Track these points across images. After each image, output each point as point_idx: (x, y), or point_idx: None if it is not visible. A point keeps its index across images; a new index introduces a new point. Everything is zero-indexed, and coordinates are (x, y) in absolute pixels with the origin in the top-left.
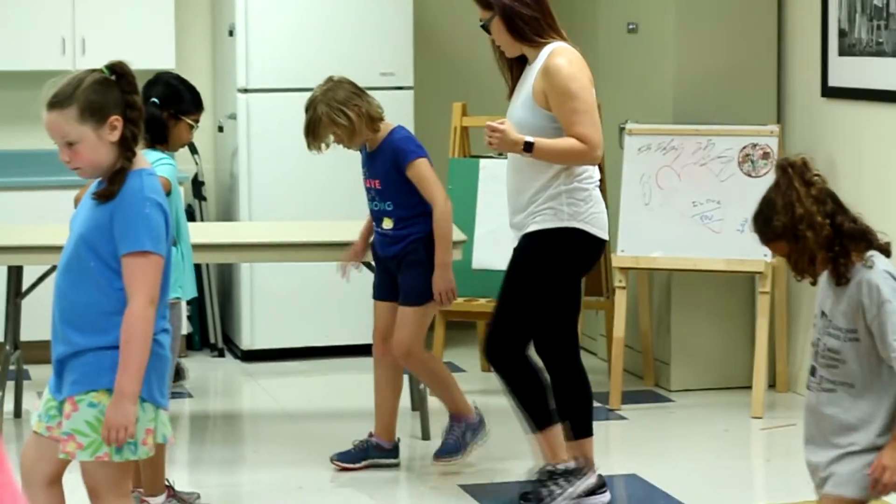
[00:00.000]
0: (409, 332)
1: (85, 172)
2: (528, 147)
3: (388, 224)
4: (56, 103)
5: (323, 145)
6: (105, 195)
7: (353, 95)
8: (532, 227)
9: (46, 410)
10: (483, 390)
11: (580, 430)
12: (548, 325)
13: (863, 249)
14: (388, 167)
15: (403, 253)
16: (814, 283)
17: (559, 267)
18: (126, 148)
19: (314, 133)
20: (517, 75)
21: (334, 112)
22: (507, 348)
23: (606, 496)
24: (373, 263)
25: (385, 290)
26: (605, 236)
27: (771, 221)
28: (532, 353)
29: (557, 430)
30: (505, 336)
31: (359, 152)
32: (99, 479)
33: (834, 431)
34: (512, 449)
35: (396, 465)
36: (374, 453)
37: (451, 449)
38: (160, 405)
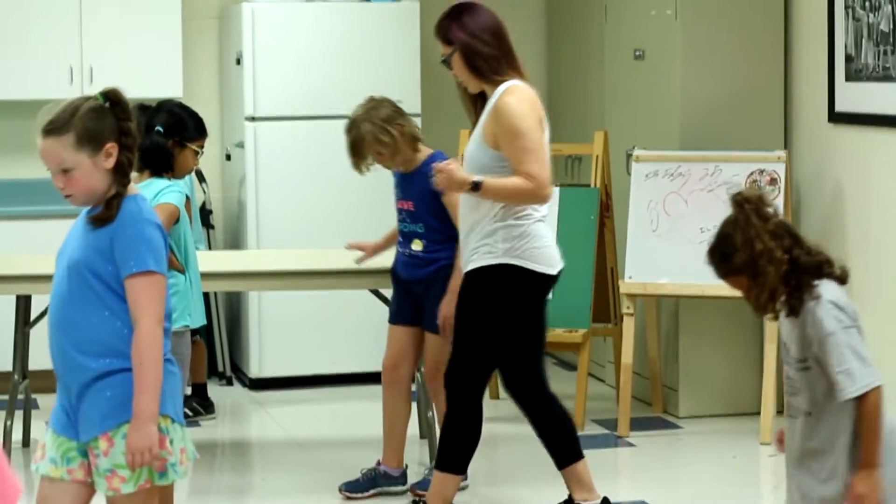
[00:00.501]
0: (445, 358)
1: (77, 200)
2: (476, 186)
3: (417, 246)
4: (52, 130)
5: (364, 166)
6: (103, 219)
7: (396, 114)
8: (471, 266)
9: (63, 454)
10: (492, 417)
11: (568, 456)
12: (509, 361)
13: (808, 280)
14: (425, 190)
15: (433, 278)
16: (775, 318)
17: (498, 304)
18: (121, 174)
19: (359, 152)
20: (480, 110)
21: (378, 130)
22: (460, 387)
23: None
24: (378, 290)
25: (404, 315)
26: (547, 270)
27: (730, 257)
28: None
29: (457, 481)
30: (458, 376)
31: (366, 175)
32: None
33: (803, 455)
34: (518, 476)
35: (404, 493)
36: (382, 481)
37: (424, 485)
38: (182, 423)
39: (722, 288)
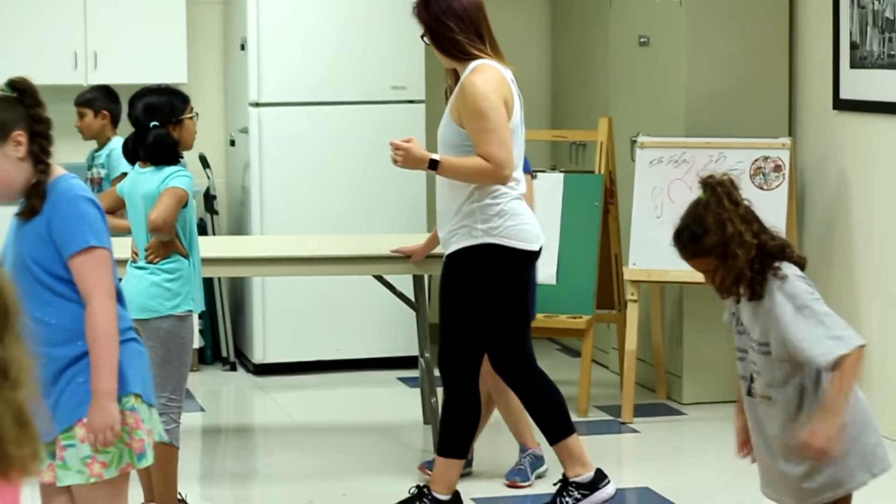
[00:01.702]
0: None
1: (4, 199)
2: (433, 165)
3: None
4: None
5: None
6: (28, 211)
7: None
8: (451, 248)
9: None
10: None
11: (559, 432)
12: (495, 340)
13: (771, 264)
14: None
15: None
16: (737, 301)
17: (483, 284)
18: (38, 161)
19: None
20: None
21: None
22: (454, 371)
23: (611, 487)
24: (381, 276)
25: None
26: (528, 247)
27: (701, 238)
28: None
29: (459, 465)
30: (451, 360)
31: (369, 162)
32: (99, 501)
33: (774, 436)
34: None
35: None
36: (537, 463)
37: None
38: (152, 403)
39: None
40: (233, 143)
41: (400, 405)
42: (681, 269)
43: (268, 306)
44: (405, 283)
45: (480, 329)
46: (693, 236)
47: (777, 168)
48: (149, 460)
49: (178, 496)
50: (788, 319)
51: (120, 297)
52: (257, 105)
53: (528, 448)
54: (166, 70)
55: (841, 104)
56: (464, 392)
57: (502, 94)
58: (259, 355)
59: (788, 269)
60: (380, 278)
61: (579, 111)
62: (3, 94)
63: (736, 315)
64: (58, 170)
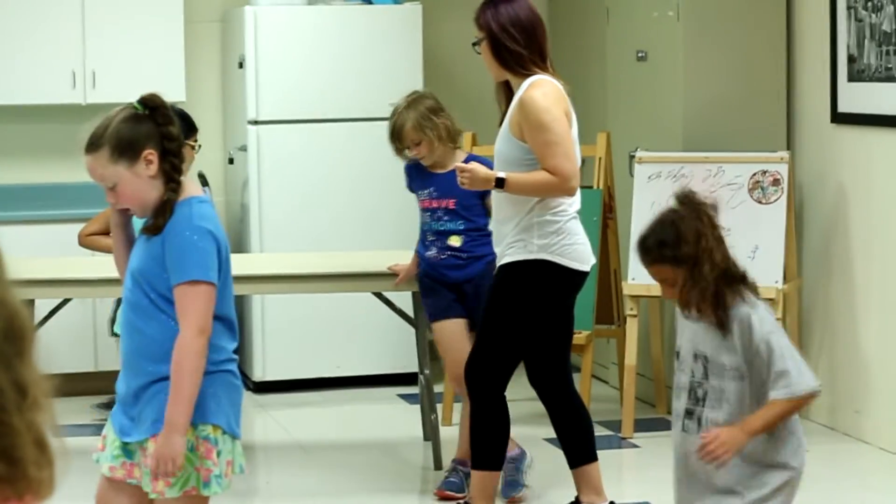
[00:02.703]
0: None
1: (135, 211)
2: (500, 183)
3: (456, 242)
4: (89, 147)
5: (404, 154)
6: (152, 229)
7: (438, 107)
8: (505, 260)
9: (112, 451)
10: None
11: (583, 457)
12: (537, 355)
13: (739, 289)
14: (468, 189)
15: (483, 273)
16: (699, 317)
17: (530, 299)
18: (169, 180)
19: (400, 138)
20: (508, 103)
21: (422, 118)
22: (483, 380)
23: None
24: (381, 293)
25: (456, 309)
26: (580, 267)
27: (672, 246)
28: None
29: (496, 477)
30: (482, 368)
31: (369, 178)
32: None
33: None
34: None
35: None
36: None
37: (512, 485)
38: (237, 436)
39: None
40: (231, 161)
41: (400, 422)
42: None
43: (267, 323)
44: (405, 300)
45: (519, 342)
46: (661, 243)
47: (775, 182)
48: (214, 490)
49: None
50: (761, 344)
51: (232, 328)
52: (256, 123)
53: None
54: (165, 88)
55: (839, 118)
56: (491, 402)
57: (562, 108)
58: (259, 373)
59: (754, 299)
60: (379, 295)
61: (578, 126)
62: (135, 112)
63: (679, 347)
64: (190, 188)
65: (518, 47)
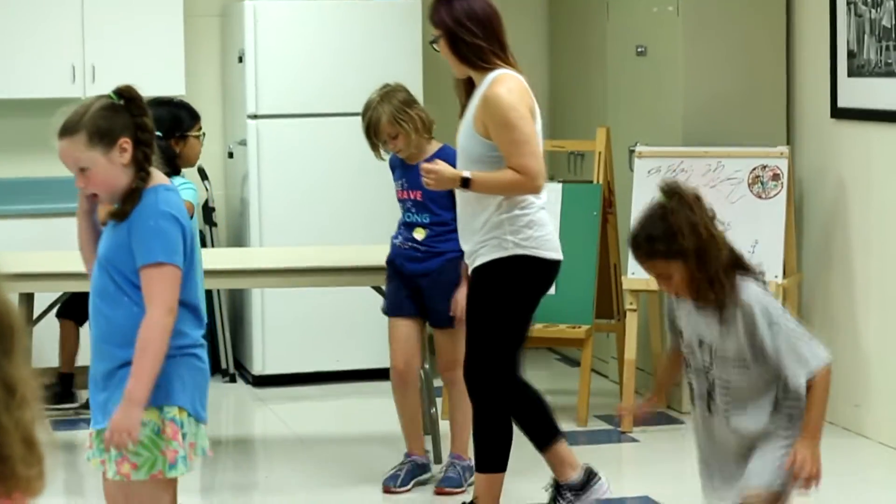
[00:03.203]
0: (460, 350)
1: (102, 197)
2: (466, 183)
3: (420, 234)
4: (65, 131)
5: (380, 150)
6: (119, 214)
7: (412, 99)
8: (480, 260)
9: (97, 445)
10: None
11: (547, 436)
12: (496, 349)
13: (740, 275)
14: None
15: (440, 270)
16: (702, 306)
17: (513, 295)
18: (139, 168)
19: (376, 133)
20: (469, 97)
21: (396, 111)
22: (482, 384)
23: (604, 483)
24: (380, 287)
25: (407, 307)
26: (555, 256)
27: (669, 240)
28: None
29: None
30: (479, 373)
31: (368, 172)
32: (143, 499)
33: (742, 448)
34: (523, 470)
35: (431, 479)
36: (418, 472)
37: (455, 483)
38: (201, 419)
39: None
40: (231, 155)
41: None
42: None
43: (267, 318)
44: None
45: (509, 340)
46: (650, 238)
47: (775, 177)
48: (181, 471)
49: None
50: (764, 332)
51: (198, 314)
52: (255, 117)
53: (412, 455)
54: (164, 83)
55: (839, 113)
56: (495, 404)
57: (527, 104)
58: (258, 367)
59: (753, 282)
60: (379, 289)
61: (577, 121)
62: (112, 103)
63: (682, 331)
64: (158, 178)
65: (476, 40)
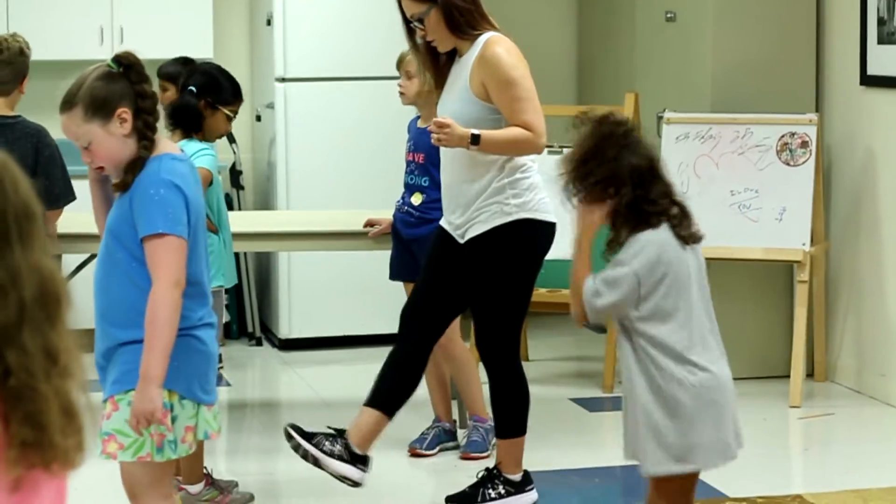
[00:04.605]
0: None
1: (109, 171)
2: (476, 140)
3: (417, 200)
4: (64, 105)
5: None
6: (121, 185)
7: None
8: (478, 230)
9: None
10: None
11: (515, 429)
12: (492, 321)
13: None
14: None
15: (430, 237)
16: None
17: (520, 261)
18: (142, 138)
19: (400, 64)
20: (447, 70)
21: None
22: (498, 354)
23: (534, 494)
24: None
25: (408, 271)
26: (553, 219)
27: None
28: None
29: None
30: (494, 343)
31: (396, 136)
32: (138, 479)
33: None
34: (547, 438)
35: (457, 446)
36: (444, 437)
37: (480, 448)
38: (202, 401)
39: (752, 251)
40: (259, 118)
41: (425, 379)
42: (706, 245)
43: (293, 281)
44: None
45: (519, 308)
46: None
47: (804, 144)
48: (168, 455)
49: (204, 470)
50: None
51: (202, 293)
52: (283, 80)
53: (441, 421)
54: (193, 45)
55: (868, 80)
56: (512, 372)
57: (525, 63)
58: (285, 330)
59: (664, 231)
60: None
61: (605, 87)
62: (109, 71)
63: None
64: (165, 146)
65: (468, 5)
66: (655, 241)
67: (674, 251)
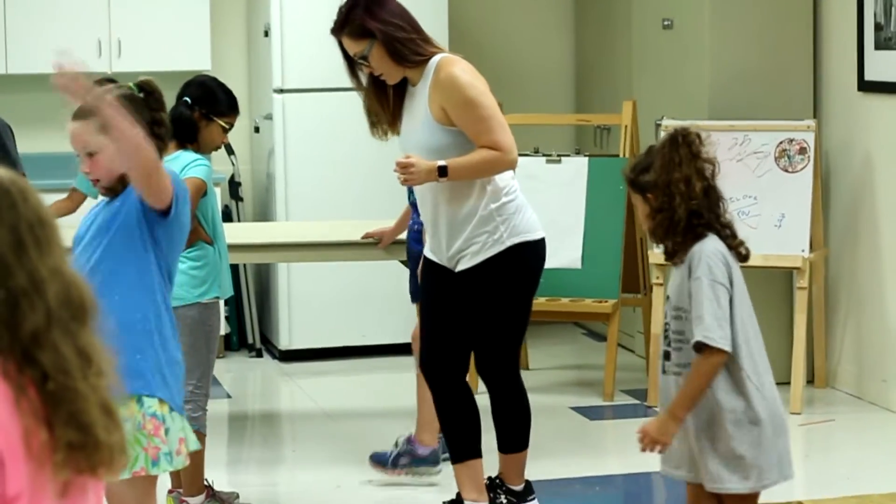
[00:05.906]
0: None
1: (102, 185)
2: (444, 171)
3: None
4: (79, 114)
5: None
6: (111, 192)
7: None
8: (473, 260)
9: None
10: None
11: (518, 443)
12: (494, 341)
13: (704, 232)
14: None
15: None
16: (669, 257)
17: (517, 287)
18: None
19: None
20: (398, 102)
21: None
22: (506, 373)
23: None
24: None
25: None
26: (542, 234)
27: (644, 173)
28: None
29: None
30: (500, 365)
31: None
32: (125, 498)
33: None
34: (548, 447)
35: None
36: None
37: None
38: (183, 413)
39: (751, 258)
40: (257, 129)
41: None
42: None
43: (293, 292)
44: None
45: (517, 331)
46: (632, 168)
47: (802, 150)
48: (164, 468)
49: (205, 482)
50: (692, 280)
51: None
52: (281, 91)
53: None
54: (190, 57)
55: (865, 86)
56: (513, 388)
57: (482, 80)
58: (285, 342)
59: (713, 240)
60: (405, 264)
61: (603, 95)
62: (130, 93)
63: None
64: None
65: (408, 34)
66: (717, 249)
67: (732, 260)
